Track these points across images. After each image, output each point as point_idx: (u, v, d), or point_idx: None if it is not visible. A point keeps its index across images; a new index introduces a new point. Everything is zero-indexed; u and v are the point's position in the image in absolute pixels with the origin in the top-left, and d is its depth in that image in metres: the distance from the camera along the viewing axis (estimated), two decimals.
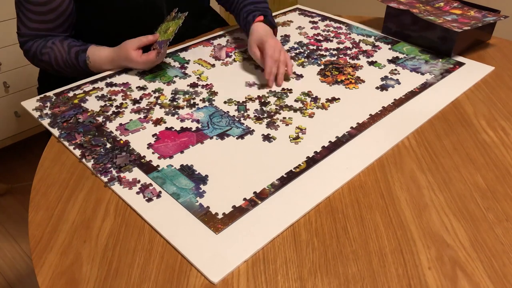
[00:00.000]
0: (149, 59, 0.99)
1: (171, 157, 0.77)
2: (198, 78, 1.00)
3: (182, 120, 0.86)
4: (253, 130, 0.84)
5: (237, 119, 0.87)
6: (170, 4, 1.09)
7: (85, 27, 1.07)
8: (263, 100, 0.92)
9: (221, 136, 0.82)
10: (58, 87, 0.96)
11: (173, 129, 0.84)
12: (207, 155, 0.77)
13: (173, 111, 0.88)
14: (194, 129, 0.84)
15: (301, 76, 1.01)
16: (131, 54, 0.98)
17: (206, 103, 0.91)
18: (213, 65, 1.06)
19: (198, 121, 0.86)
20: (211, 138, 0.81)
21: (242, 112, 0.88)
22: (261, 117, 0.87)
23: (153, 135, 0.82)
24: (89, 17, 1.05)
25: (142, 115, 0.87)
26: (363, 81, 1.00)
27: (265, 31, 1.03)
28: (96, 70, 1.03)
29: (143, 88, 0.97)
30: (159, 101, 0.91)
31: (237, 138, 0.82)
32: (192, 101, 0.92)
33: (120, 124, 0.84)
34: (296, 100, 0.92)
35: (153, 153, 0.77)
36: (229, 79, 1.01)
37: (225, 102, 0.92)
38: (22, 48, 1.05)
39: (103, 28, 1.06)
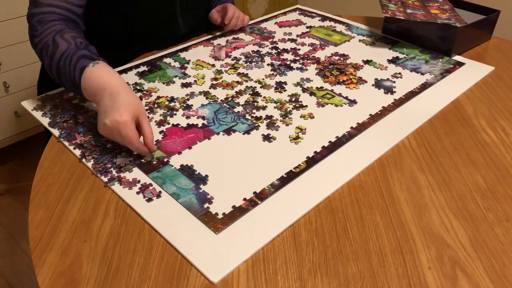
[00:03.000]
0: (139, 148, 0.74)
1: (179, 153, 0.77)
2: (195, 81, 1.00)
3: (188, 117, 0.87)
4: (258, 126, 0.84)
5: (242, 115, 0.87)
6: (183, 12, 1.12)
7: (100, 36, 1.02)
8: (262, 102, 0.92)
9: (228, 131, 0.83)
10: (58, 87, 0.96)
11: (179, 126, 0.84)
12: (207, 155, 0.77)
13: (169, 113, 0.88)
14: (200, 125, 0.85)
15: (308, 80, 1.01)
16: (129, 122, 0.72)
17: (208, 101, 0.91)
18: (213, 65, 1.06)
19: (203, 118, 0.87)
20: (218, 134, 0.82)
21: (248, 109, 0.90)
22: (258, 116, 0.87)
23: (160, 132, 0.83)
24: (108, 24, 1.04)
25: None
26: (365, 81, 1.00)
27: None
28: (86, 91, 0.79)
29: (142, 88, 0.97)
30: (157, 101, 0.92)
31: (243, 134, 0.82)
32: (187, 103, 0.92)
33: None
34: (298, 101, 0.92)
35: (160, 148, 0.78)
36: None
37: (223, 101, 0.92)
38: (32, 20, 0.88)
39: (119, 36, 1.06)
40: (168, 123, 0.85)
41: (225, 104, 0.91)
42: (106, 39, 1.04)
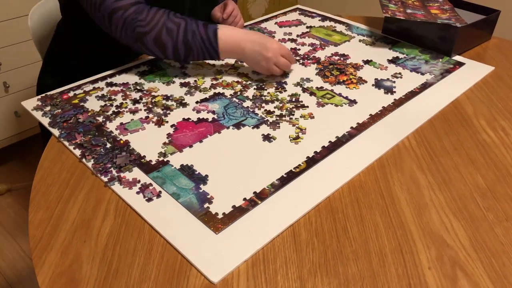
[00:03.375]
0: (284, 64, 0.97)
1: (190, 146, 0.79)
2: (195, 81, 1.00)
3: (198, 112, 0.88)
4: (267, 120, 0.86)
5: (251, 110, 0.89)
6: (190, 14, 1.09)
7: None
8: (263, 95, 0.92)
9: (237, 126, 0.84)
10: (58, 87, 0.96)
11: (190, 120, 0.86)
12: (207, 154, 0.77)
13: (165, 112, 0.88)
14: (210, 119, 0.86)
15: (309, 80, 1.01)
16: (274, 46, 0.95)
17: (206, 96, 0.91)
18: (213, 65, 1.06)
19: (213, 112, 0.88)
20: (228, 128, 0.83)
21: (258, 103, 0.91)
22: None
23: (171, 126, 0.84)
24: None
25: (142, 115, 0.87)
26: (365, 81, 1.00)
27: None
28: (225, 47, 0.95)
29: (143, 88, 0.97)
30: (153, 100, 0.92)
31: (252, 128, 0.84)
32: (182, 102, 0.92)
33: (121, 124, 0.85)
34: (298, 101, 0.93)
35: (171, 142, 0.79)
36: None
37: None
38: (128, 11, 0.92)
39: None
40: (167, 122, 0.85)
41: (234, 99, 0.92)
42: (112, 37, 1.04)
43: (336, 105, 0.91)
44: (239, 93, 0.95)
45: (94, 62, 1.07)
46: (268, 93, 0.95)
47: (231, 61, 1.08)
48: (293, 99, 0.93)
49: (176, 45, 0.93)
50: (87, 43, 1.05)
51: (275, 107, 0.90)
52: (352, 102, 0.92)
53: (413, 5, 1.24)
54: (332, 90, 0.96)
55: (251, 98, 0.93)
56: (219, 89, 0.96)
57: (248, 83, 0.98)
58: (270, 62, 0.96)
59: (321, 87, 0.97)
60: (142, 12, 0.92)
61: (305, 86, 0.98)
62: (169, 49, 0.94)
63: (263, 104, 0.91)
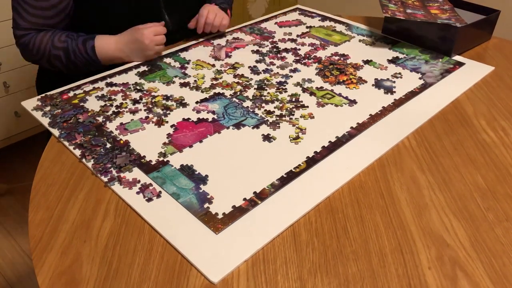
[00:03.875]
0: (162, 41, 1.04)
1: (190, 146, 0.79)
2: (195, 81, 1.00)
3: (198, 112, 0.88)
4: (267, 120, 0.85)
5: (251, 110, 0.89)
6: (168, 5, 1.10)
7: (86, 30, 1.05)
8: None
9: (237, 126, 0.84)
10: (57, 87, 0.96)
11: (190, 120, 0.86)
12: (207, 155, 0.77)
13: (165, 112, 0.89)
14: (210, 119, 0.86)
15: (309, 81, 1.01)
16: (144, 33, 1.01)
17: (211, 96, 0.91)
18: (213, 65, 1.06)
19: (213, 112, 0.88)
20: (228, 128, 0.83)
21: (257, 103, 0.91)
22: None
23: (171, 126, 0.84)
24: (90, 20, 1.05)
25: (142, 115, 0.87)
26: (365, 81, 1.00)
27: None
28: (105, 58, 1.03)
29: (143, 88, 0.97)
30: (153, 101, 0.92)
31: (252, 128, 0.84)
32: (182, 102, 0.92)
33: (121, 124, 0.85)
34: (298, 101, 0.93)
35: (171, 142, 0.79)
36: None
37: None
38: (19, 41, 1.03)
39: (103, 31, 1.05)
40: (167, 122, 0.85)
41: (234, 99, 0.92)
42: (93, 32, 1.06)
43: (336, 105, 0.91)
44: (239, 93, 0.95)
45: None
46: (268, 93, 0.95)
47: (231, 61, 1.08)
48: (293, 99, 0.93)
49: (68, 66, 1.03)
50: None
51: (275, 107, 0.90)
52: (352, 102, 0.92)
53: (413, 5, 1.24)
54: (332, 90, 0.96)
55: (251, 98, 0.93)
56: (219, 89, 0.96)
57: (248, 83, 0.98)
58: (151, 48, 1.04)
59: (321, 87, 0.97)
60: (28, 44, 1.02)
61: (305, 86, 0.98)
62: (64, 68, 1.04)
63: (263, 104, 0.91)
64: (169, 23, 1.13)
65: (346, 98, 0.94)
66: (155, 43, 1.04)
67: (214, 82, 0.99)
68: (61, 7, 1.00)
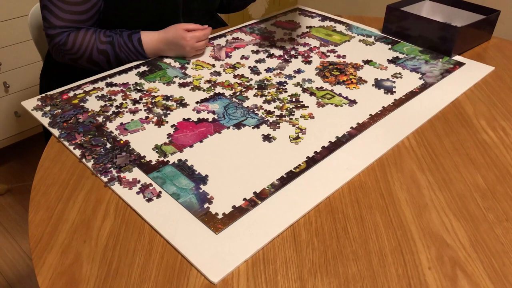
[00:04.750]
0: (202, 45, 1.07)
1: (191, 146, 0.79)
2: (195, 81, 1.00)
3: (198, 112, 0.88)
4: (267, 120, 0.85)
5: (251, 110, 0.89)
6: (186, 4, 1.12)
7: (106, 27, 1.06)
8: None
9: (238, 126, 0.84)
10: (58, 87, 0.96)
11: (190, 120, 0.86)
12: (207, 155, 0.77)
13: (165, 112, 0.89)
14: (210, 120, 0.86)
15: (309, 81, 1.01)
16: (187, 39, 1.04)
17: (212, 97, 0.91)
18: (213, 65, 1.06)
19: (214, 112, 0.88)
20: (228, 128, 0.83)
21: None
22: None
23: (171, 126, 0.84)
24: (114, 24, 1.06)
25: (142, 115, 0.87)
26: (365, 81, 1.00)
27: None
28: (149, 52, 1.06)
29: (143, 88, 0.97)
30: (153, 101, 0.92)
31: (253, 128, 0.84)
32: (182, 102, 0.92)
33: (121, 124, 0.85)
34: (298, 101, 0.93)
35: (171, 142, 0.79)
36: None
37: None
38: (53, 41, 1.02)
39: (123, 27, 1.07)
40: (167, 122, 0.85)
41: (234, 99, 0.92)
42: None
43: (336, 105, 0.91)
44: (239, 93, 0.95)
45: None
46: (269, 92, 0.95)
47: (231, 61, 1.08)
48: (293, 99, 0.93)
49: (109, 60, 1.04)
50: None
51: (275, 107, 0.90)
52: (352, 102, 0.92)
53: None
54: (332, 90, 0.96)
55: (251, 98, 0.93)
56: (219, 89, 0.96)
57: (248, 83, 0.98)
58: (189, 54, 1.07)
59: (321, 87, 0.97)
60: (66, 43, 1.01)
61: (305, 86, 0.97)
62: (104, 64, 1.05)
63: (263, 104, 0.91)
64: None
65: (346, 98, 0.94)
66: (195, 50, 1.07)
67: (214, 82, 0.99)
68: (93, 1, 1.01)
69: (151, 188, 0.70)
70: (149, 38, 1.05)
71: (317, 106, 0.91)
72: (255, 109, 0.89)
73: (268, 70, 1.04)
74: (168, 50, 1.07)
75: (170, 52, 1.08)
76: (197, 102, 0.92)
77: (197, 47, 1.06)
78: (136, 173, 0.73)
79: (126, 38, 1.03)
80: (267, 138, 0.81)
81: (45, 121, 0.86)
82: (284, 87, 0.97)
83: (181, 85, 0.98)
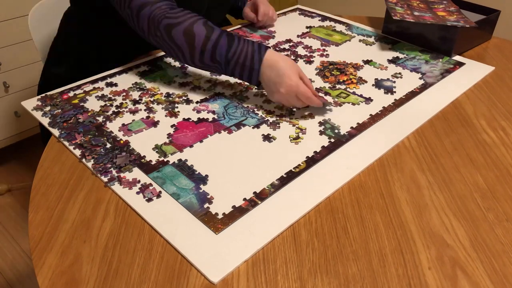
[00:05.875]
0: (315, 100, 0.85)
1: (191, 146, 0.79)
2: (195, 81, 1.00)
3: (198, 112, 0.88)
4: (267, 120, 0.86)
5: (251, 110, 0.89)
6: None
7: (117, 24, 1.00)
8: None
9: (238, 125, 0.84)
10: (58, 87, 0.96)
11: (190, 120, 0.86)
12: (207, 154, 0.77)
13: (170, 108, 0.89)
14: (210, 119, 0.86)
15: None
16: (299, 79, 0.85)
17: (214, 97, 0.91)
18: None
19: (213, 112, 0.88)
20: (228, 128, 0.83)
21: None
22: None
23: (171, 126, 0.84)
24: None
25: (142, 115, 0.87)
26: (365, 81, 1.00)
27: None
28: (265, 63, 0.85)
29: (143, 88, 0.97)
30: (153, 99, 0.92)
31: (253, 128, 0.84)
32: (185, 98, 0.93)
33: (123, 125, 0.84)
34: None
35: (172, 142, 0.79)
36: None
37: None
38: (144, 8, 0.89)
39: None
40: (179, 112, 0.87)
41: (234, 99, 0.92)
42: (127, 34, 1.01)
43: (353, 104, 0.91)
44: (239, 93, 0.95)
45: (107, 50, 1.08)
46: None
47: None
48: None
49: (202, 43, 0.87)
50: (100, 31, 1.04)
51: (275, 107, 0.90)
52: (368, 100, 0.92)
53: (418, 7, 1.24)
54: (345, 89, 0.96)
55: (251, 98, 0.93)
56: (219, 89, 0.96)
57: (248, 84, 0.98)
58: (277, 100, 0.87)
59: (334, 87, 0.97)
60: (174, 8, 0.90)
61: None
62: (199, 39, 0.87)
63: (263, 104, 0.91)
64: None
65: (361, 96, 0.94)
66: (290, 103, 0.87)
67: (214, 82, 0.99)
68: None
69: (151, 188, 0.70)
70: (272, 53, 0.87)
71: (334, 105, 0.91)
72: (256, 108, 0.89)
73: None
74: (267, 81, 0.86)
75: (265, 86, 0.87)
76: (197, 102, 0.92)
77: (292, 102, 0.86)
78: (136, 173, 0.73)
79: (249, 42, 0.87)
80: (267, 138, 0.81)
81: (45, 121, 0.86)
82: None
83: (181, 84, 0.98)
